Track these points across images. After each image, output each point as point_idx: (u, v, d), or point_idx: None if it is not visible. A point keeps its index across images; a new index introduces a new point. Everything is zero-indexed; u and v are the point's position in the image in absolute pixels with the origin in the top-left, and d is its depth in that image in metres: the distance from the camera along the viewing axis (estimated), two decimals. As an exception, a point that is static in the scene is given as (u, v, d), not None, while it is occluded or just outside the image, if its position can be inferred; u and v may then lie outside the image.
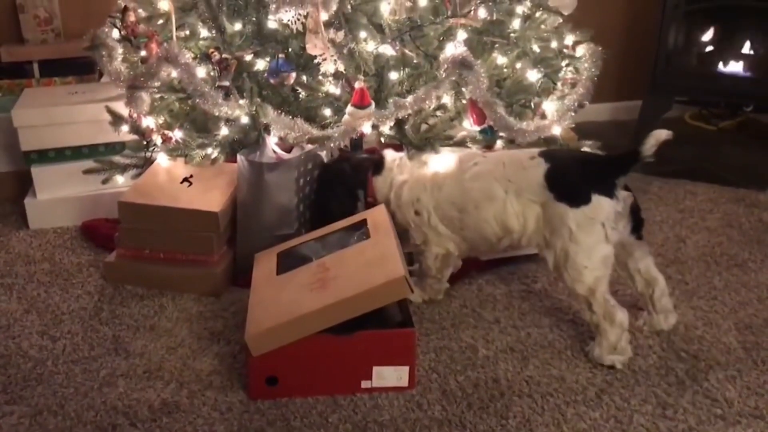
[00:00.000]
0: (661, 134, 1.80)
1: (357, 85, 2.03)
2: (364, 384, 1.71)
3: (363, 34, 2.07)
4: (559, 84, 2.35)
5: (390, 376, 1.71)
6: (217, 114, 2.10)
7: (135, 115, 2.34)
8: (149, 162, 2.34)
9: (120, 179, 2.42)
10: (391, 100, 2.04)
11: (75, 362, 1.84)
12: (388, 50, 2.11)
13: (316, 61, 2.06)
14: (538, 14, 2.31)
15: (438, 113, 2.22)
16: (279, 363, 1.68)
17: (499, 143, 2.24)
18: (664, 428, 1.62)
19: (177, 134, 2.26)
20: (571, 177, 1.84)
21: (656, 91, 3.23)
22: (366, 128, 2.05)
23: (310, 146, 2.11)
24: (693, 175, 2.93)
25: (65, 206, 2.51)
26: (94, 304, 2.09)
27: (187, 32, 2.27)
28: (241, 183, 2.14)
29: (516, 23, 2.28)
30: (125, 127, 2.38)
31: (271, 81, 2.10)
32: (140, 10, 2.37)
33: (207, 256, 2.13)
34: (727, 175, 2.93)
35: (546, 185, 1.82)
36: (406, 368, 1.71)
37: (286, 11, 2.02)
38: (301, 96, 2.17)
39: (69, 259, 2.32)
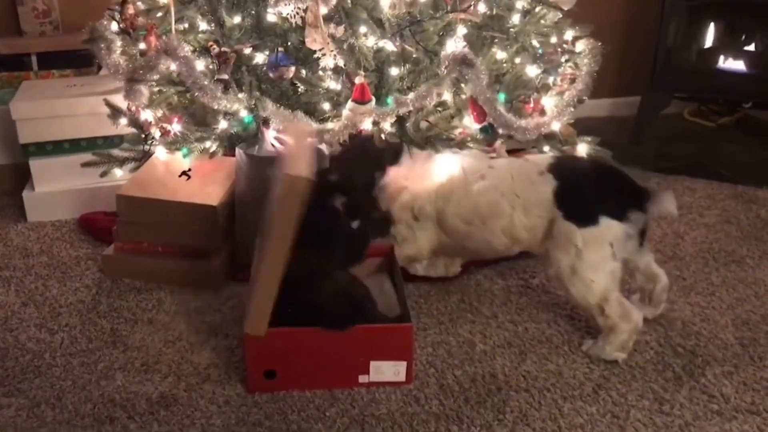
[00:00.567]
0: (670, 208, 1.82)
1: (357, 80, 2.02)
2: (362, 378, 1.72)
3: (363, 29, 2.06)
4: (558, 78, 2.35)
5: (387, 370, 1.72)
6: (215, 107, 2.10)
7: (133, 108, 2.34)
8: (148, 155, 2.34)
9: (118, 172, 2.41)
10: (392, 97, 2.04)
11: (73, 355, 1.84)
12: (388, 45, 2.11)
13: (315, 55, 2.06)
14: (537, 9, 2.30)
15: (439, 110, 2.21)
16: (277, 357, 1.68)
17: (498, 141, 2.24)
18: (660, 423, 1.62)
19: (175, 127, 2.25)
20: (581, 196, 1.83)
21: (655, 87, 3.23)
22: (366, 124, 2.04)
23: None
24: (691, 171, 2.93)
25: (63, 199, 2.51)
26: (92, 297, 2.09)
27: (186, 25, 2.26)
28: (239, 177, 2.14)
29: (516, 18, 2.27)
30: (124, 120, 2.38)
31: (271, 75, 2.10)
32: (139, 3, 2.36)
33: (205, 250, 2.12)
34: (725, 172, 2.93)
35: (555, 203, 1.83)
36: (404, 363, 1.72)
37: (286, 4, 2.01)
38: (300, 90, 2.17)
39: (67, 252, 2.32)
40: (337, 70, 2.12)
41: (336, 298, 1.68)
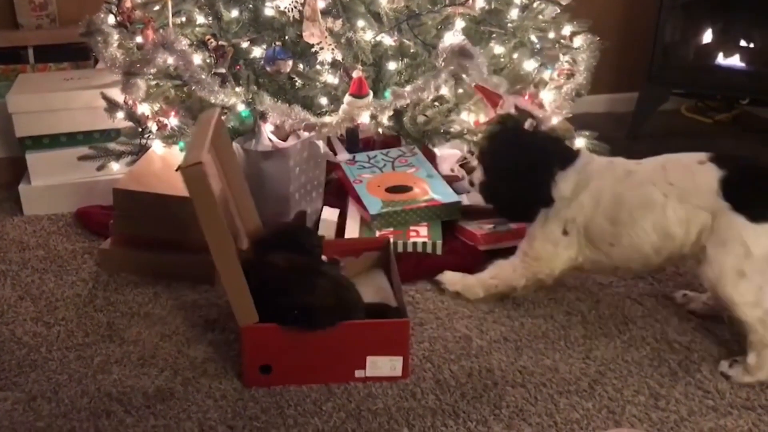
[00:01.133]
0: None
1: (355, 74, 2.02)
2: (358, 373, 1.72)
3: (361, 23, 2.06)
4: (555, 74, 2.35)
5: (384, 365, 1.72)
6: (213, 101, 2.10)
7: (130, 102, 2.34)
8: (144, 149, 2.33)
9: (115, 166, 2.41)
10: (390, 90, 2.04)
11: (69, 349, 1.84)
12: (386, 39, 2.11)
13: (313, 49, 2.06)
14: (536, 4, 2.31)
15: (436, 104, 2.21)
16: (273, 351, 1.68)
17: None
18: (656, 419, 1.63)
19: (172, 121, 2.25)
20: (757, 187, 1.64)
21: (653, 83, 3.23)
22: (364, 118, 2.04)
23: (306, 134, 2.11)
24: (688, 167, 2.93)
25: (60, 193, 2.50)
26: (88, 291, 2.08)
27: (184, 19, 2.26)
28: (236, 171, 2.14)
29: (514, 13, 2.27)
30: (120, 114, 2.37)
31: (268, 69, 2.10)
32: (136, -4, 2.36)
33: (202, 244, 2.12)
34: (722, 168, 2.93)
35: (720, 192, 1.65)
36: (400, 358, 1.72)
37: (283, -2, 2.01)
38: (297, 84, 2.17)
39: (63, 245, 2.32)
40: (334, 64, 2.11)
41: (324, 296, 1.67)
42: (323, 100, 2.15)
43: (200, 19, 2.24)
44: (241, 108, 2.13)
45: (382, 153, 2.47)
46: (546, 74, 2.35)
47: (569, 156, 1.84)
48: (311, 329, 1.65)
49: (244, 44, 2.16)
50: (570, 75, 2.35)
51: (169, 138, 2.25)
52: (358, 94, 2.01)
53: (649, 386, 1.73)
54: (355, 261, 1.99)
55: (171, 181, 2.16)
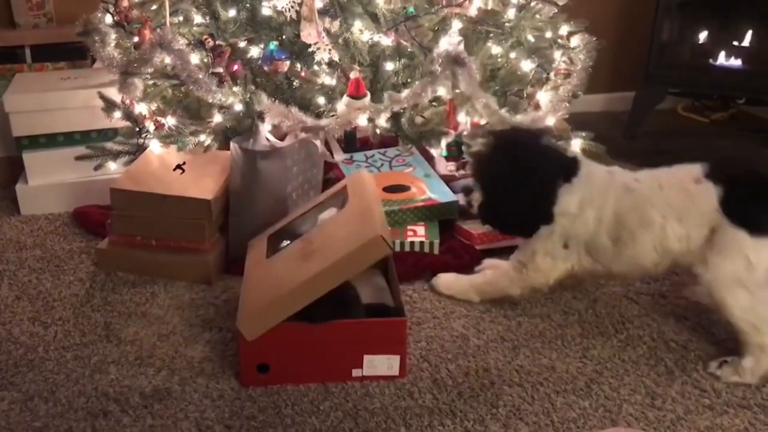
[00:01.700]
0: None
1: (352, 75, 2.02)
2: (355, 372, 1.72)
3: (358, 24, 2.06)
4: (552, 73, 2.35)
5: (381, 364, 1.72)
6: (210, 101, 2.10)
7: (128, 102, 2.33)
8: (142, 149, 2.33)
9: (112, 166, 2.41)
10: (386, 94, 2.03)
11: (66, 349, 1.84)
12: (383, 40, 2.11)
13: (310, 49, 2.06)
14: (533, 4, 2.31)
15: (434, 105, 2.21)
16: (270, 350, 1.68)
17: None
18: (652, 418, 1.63)
19: (170, 121, 2.25)
20: (756, 201, 1.66)
21: (650, 83, 3.23)
22: (361, 120, 2.04)
23: (303, 134, 2.11)
24: (685, 166, 2.93)
25: (57, 192, 2.50)
26: (85, 290, 2.08)
27: (181, 18, 2.25)
28: (234, 171, 2.14)
29: (511, 13, 2.27)
30: (118, 114, 2.37)
31: (265, 68, 2.10)
32: (133, -5, 2.35)
33: (199, 244, 2.12)
34: (718, 168, 2.94)
35: (721, 210, 1.67)
36: (397, 357, 1.72)
37: (281, -2, 2.01)
38: (295, 84, 2.17)
39: (60, 245, 2.31)
40: (332, 64, 2.11)
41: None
42: (320, 100, 2.15)
43: (197, 18, 2.24)
44: (238, 107, 2.13)
45: (379, 152, 2.48)
46: (543, 74, 2.35)
47: (572, 168, 1.83)
48: (312, 323, 1.65)
49: (242, 44, 2.16)
50: (567, 75, 2.35)
51: (167, 138, 2.25)
52: (356, 95, 2.02)
53: (645, 385, 1.73)
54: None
55: (168, 180, 2.17)
